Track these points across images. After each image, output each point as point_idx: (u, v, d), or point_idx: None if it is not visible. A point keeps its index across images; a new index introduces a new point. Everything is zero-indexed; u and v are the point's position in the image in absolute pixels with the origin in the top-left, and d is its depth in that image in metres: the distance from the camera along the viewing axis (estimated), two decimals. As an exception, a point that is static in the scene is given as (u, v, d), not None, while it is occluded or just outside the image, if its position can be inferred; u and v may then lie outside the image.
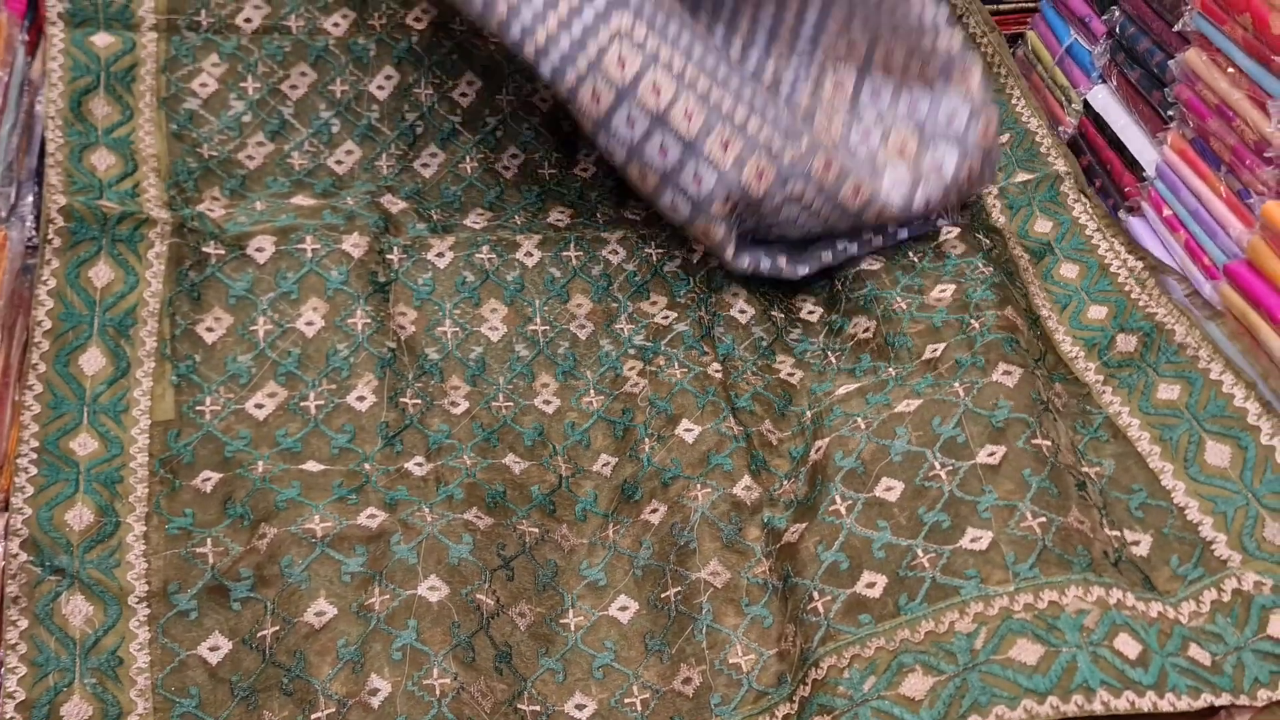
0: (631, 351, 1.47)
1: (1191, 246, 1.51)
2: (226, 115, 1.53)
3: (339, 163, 1.56)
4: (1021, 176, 1.67)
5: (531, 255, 1.52)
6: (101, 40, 1.50)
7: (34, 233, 1.43)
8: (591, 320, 1.49)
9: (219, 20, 1.57)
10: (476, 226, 1.54)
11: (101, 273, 1.33)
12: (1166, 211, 1.57)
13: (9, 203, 1.40)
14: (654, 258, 1.55)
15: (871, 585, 1.14)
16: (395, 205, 1.52)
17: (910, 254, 1.53)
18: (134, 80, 1.50)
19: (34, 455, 1.18)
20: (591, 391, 1.43)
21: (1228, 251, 1.44)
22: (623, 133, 1.38)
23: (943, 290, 1.46)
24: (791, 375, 1.45)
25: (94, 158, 1.43)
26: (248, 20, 1.58)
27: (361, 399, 1.32)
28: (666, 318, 1.49)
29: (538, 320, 1.47)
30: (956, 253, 1.52)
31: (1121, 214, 1.67)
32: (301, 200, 1.49)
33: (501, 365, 1.43)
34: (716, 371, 1.42)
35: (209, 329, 1.34)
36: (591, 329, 1.48)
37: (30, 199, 1.45)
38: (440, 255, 1.48)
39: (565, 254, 1.54)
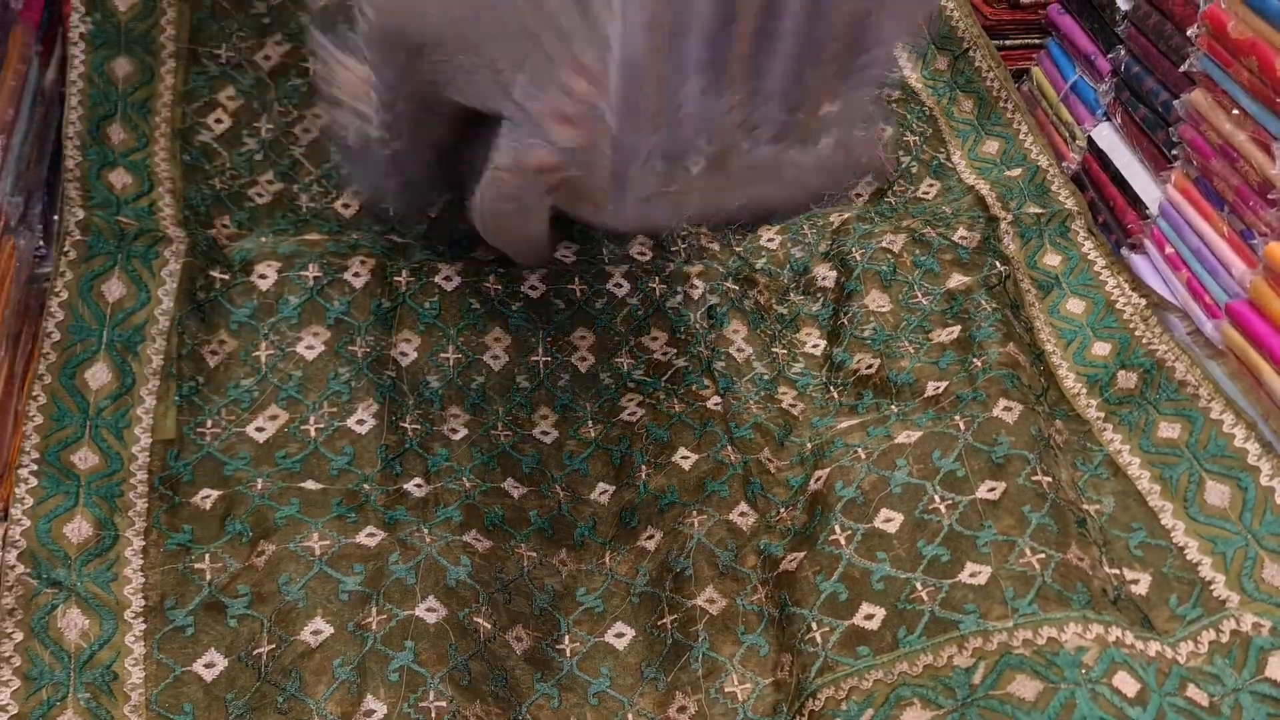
0: (630, 385, 1.47)
1: (1193, 285, 1.52)
2: (238, 152, 1.54)
3: (345, 206, 1.57)
4: (1033, 209, 1.68)
5: (536, 288, 1.53)
6: (121, 69, 1.52)
7: (42, 242, 1.43)
8: (593, 353, 1.49)
9: (238, 54, 1.58)
10: (484, 258, 1.54)
11: (114, 288, 1.34)
12: (1169, 249, 1.58)
13: (19, 211, 1.40)
14: (657, 293, 1.56)
15: (870, 617, 1.14)
16: (402, 240, 1.52)
17: (918, 293, 1.54)
18: (150, 111, 1.52)
19: (34, 466, 1.18)
20: (590, 422, 1.43)
21: (1230, 291, 1.44)
22: None
23: (949, 333, 1.46)
24: (793, 406, 1.46)
25: (112, 176, 1.44)
26: (266, 58, 1.60)
27: (361, 423, 1.32)
28: (666, 354, 1.50)
29: (540, 351, 1.47)
30: (962, 291, 1.52)
31: (1124, 251, 1.68)
32: (308, 236, 1.50)
33: (502, 396, 1.43)
34: (716, 405, 1.43)
35: (213, 352, 1.34)
36: (592, 361, 1.48)
37: (39, 209, 1.46)
38: (448, 279, 1.49)
39: (569, 287, 1.54)
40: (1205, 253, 1.49)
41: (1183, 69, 1.51)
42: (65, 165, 1.43)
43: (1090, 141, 1.77)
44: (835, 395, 1.46)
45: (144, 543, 1.17)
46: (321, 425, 1.31)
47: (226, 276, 1.39)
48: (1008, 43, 1.97)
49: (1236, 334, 1.41)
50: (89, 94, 1.48)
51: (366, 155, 1.42)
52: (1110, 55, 1.73)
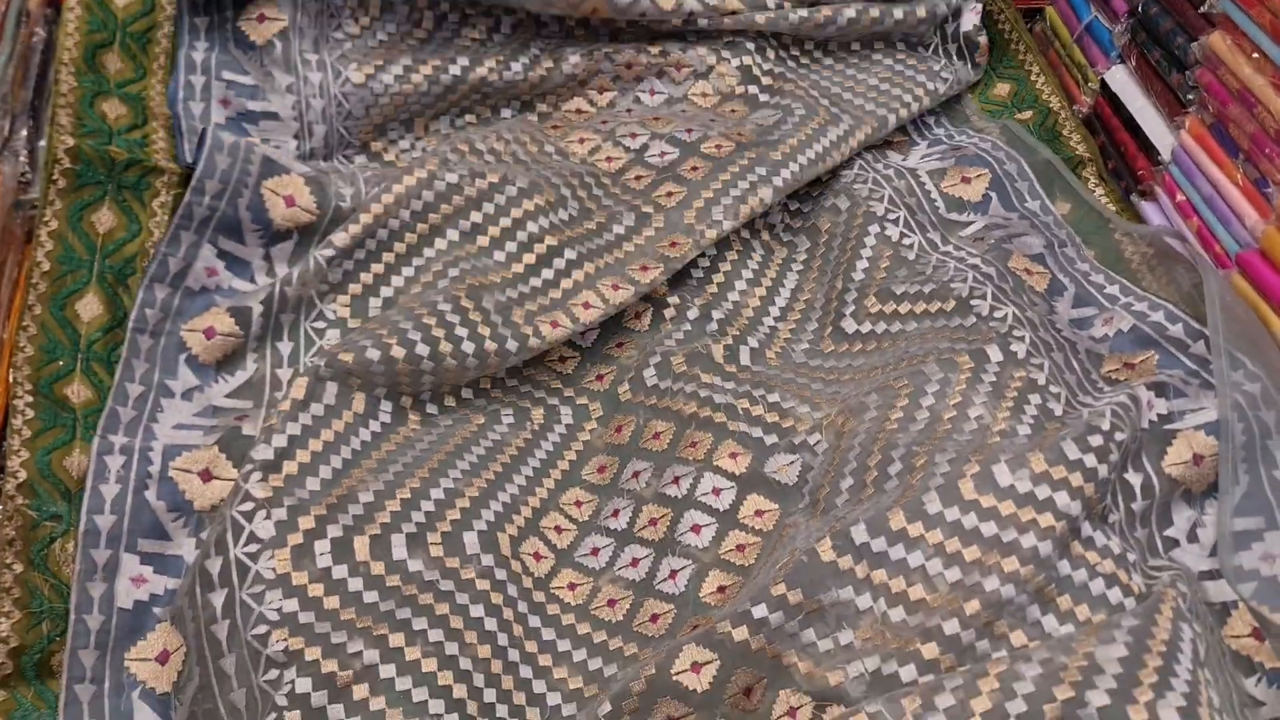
0: None
1: (1204, 234, 1.51)
2: None
3: None
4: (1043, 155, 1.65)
5: None
6: None
7: (27, 167, 1.39)
8: None
9: None
10: None
11: (104, 218, 1.30)
12: (1180, 197, 1.56)
13: (2, 136, 1.36)
14: None
15: None
16: None
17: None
18: (149, 42, 1.46)
19: (29, 398, 1.15)
20: None
21: (1241, 241, 1.43)
22: None
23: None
24: None
25: (105, 105, 1.39)
26: None
27: None
28: None
29: None
30: None
31: (1134, 197, 1.66)
32: None
33: None
34: None
35: None
36: None
37: (24, 133, 1.41)
38: None
39: None
40: (1217, 201, 1.48)
41: (1203, 10, 1.48)
42: (58, 90, 1.38)
43: (1103, 84, 1.74)
44: None
45: (140, 476, 1.15)
46: None
47: None
48: (1021, -18, 1.92)
49: (1246, 285, 1.40)
50: (87, 20, 1.43)
51: None
52: (1128, -5, 1.69)
